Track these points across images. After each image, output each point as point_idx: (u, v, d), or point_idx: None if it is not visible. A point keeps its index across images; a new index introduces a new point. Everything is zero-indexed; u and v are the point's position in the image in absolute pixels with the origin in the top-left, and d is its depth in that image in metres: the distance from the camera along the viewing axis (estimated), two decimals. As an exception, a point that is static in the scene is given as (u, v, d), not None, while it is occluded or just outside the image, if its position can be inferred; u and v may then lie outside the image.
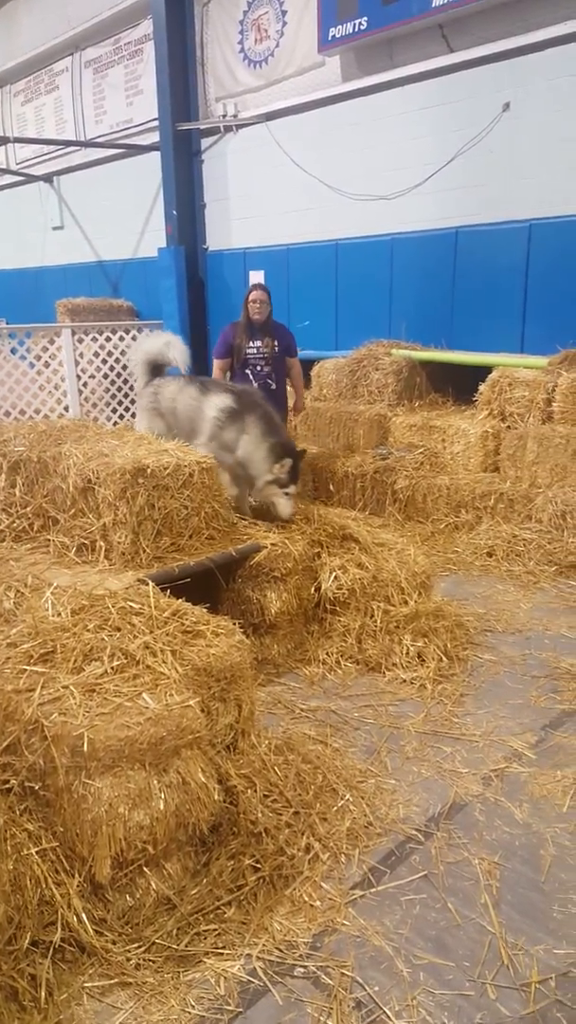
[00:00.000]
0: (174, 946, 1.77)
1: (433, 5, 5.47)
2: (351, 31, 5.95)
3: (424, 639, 3.09)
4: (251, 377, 4.66)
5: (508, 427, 4.88)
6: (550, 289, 5.48)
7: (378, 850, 2.09)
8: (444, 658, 3.04)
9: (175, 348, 3.96)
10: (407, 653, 3.04)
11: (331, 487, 5.15)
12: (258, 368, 4.68)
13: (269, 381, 4.67)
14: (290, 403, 5.07)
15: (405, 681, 2.96)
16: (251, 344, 4.65)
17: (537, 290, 5.55)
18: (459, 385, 5.56)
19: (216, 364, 4.79)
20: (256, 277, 7.15)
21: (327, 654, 3.10)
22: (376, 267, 6.36)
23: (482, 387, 5.07)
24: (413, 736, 2.63)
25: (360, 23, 5.87)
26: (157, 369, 4.03)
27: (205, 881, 1.93)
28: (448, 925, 1.86)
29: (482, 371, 5.16)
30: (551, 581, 3.88)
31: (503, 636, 3.36)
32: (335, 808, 2.20)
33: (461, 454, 4.90)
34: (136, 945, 1.76)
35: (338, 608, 3.17)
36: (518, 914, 1.89)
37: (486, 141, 5.61)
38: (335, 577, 3.14)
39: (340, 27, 6.01)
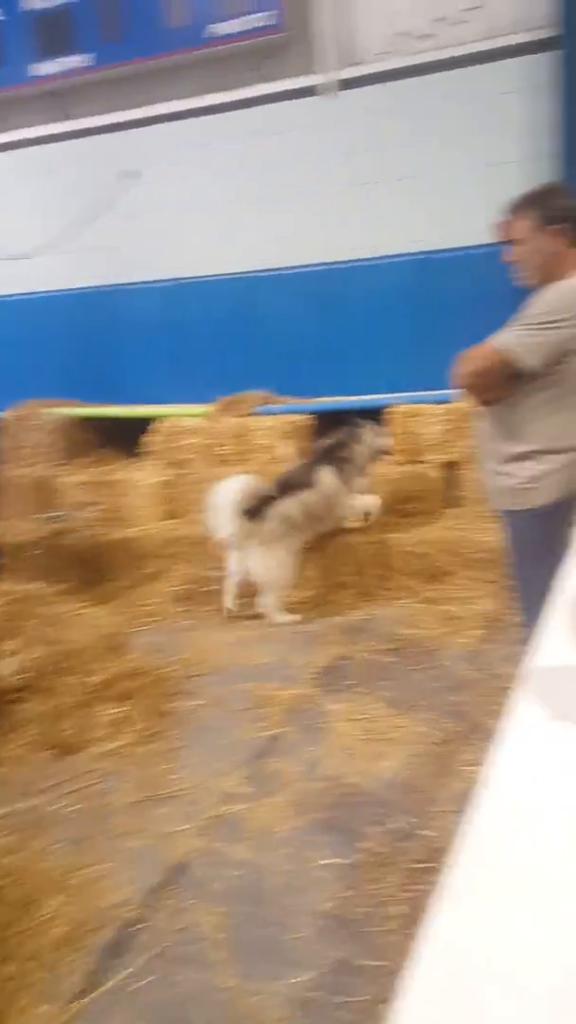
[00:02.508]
0: None
1: (41, 74, 5.56)
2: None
3: (126, 702, 2.95)
4: None
5: (182, 474, 5.00)
6: (199, 343, 5.83)
7: (97, 947, 1.90)
8: (149, 717, 2.93)
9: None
10: (108, 723, 2.87)
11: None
12: None
13: None
14: None
15: (110, 753, 2.78)
16: None
17: (187, 345, 5.86)
18: (129, 438, 5.57)
19: None
20: None
21: (17, 747, 2.80)
22: (20, 327, 6.19)
23: (149, 439, 5.15)
24: (123, 809, 2.46)
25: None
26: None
27: None
28: (184, 999, 1.74)
29: (147, 425, 5.25)
30: (243, 613, 4.00)
31: (208, 678, 3.36)
32: (42, 917, 1.96)
33: (139, 505, 4.89)
34: None
35: (23, 694, 2.89)
36: (252, 957, 1.84)
37: (120, 207, 5.82)
38: (15, 661, 2.87)
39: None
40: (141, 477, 4.92)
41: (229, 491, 3.73)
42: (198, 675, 3.39)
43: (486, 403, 2.22)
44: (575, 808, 0.18)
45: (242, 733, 2.86)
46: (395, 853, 2.13)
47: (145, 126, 5.71)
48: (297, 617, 3.85)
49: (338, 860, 2.14)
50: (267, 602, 3.86)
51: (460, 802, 2.13)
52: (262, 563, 3.76)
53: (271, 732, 2.84)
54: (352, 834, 2.24)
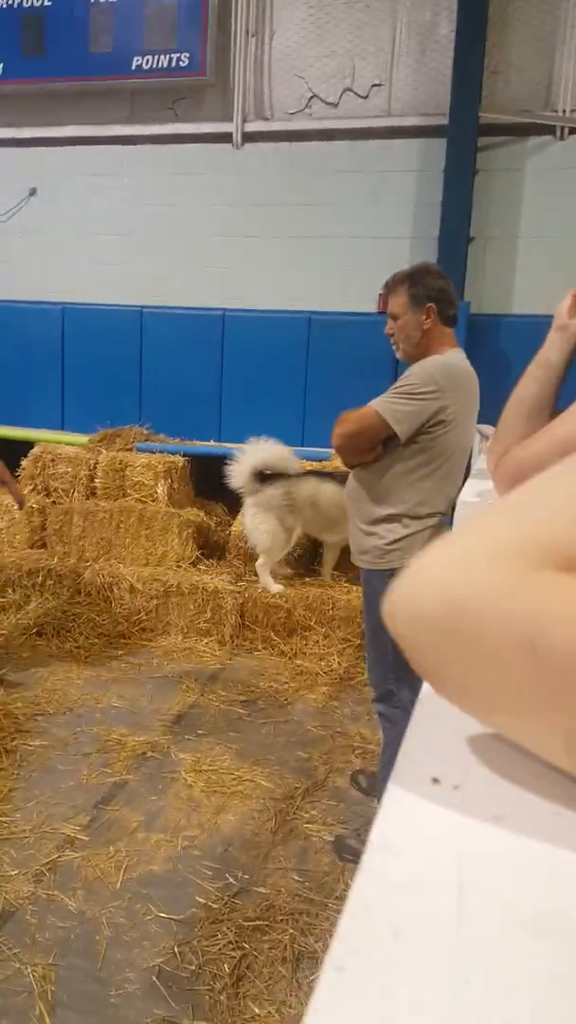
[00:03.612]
0: None
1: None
2: None
3: (-35, 737, 2.83)
4: None
5: (53, 502, 4.89)
6: (84, 371, 5.78)
7: None
8: (-11, 754, 2.83)
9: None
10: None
11: None
12: None
13: None
14: None
15: (-58, 793, 2.66)
16: None
17: (73, 371, 5.79)
18: (7, 459, 5.39)
19: None
20: None
21: None
22: None
23: (24, 462, 5.01)
24: (-47, 856, 2.36)
25: None
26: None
27: None
28: (-2, 1058, 1.69)
29: (25, 447, 5.11)
30: (100, 653, 3.94)
31: (54, 717, 3.28)
32: None
33: (6, 530, 4.72)
34: None
35: None
36: (75, 1013, 1.82)
37: (14, 222, 5.73)
38: None
39: None
40: (10, 501, 4.76)
41: (257, 450, 4.08)
42: (44, 713, 3.31)
43: (357, 465, 2.36)
44: (460, 868, 0.25)
45: (86, 777, 2.81)
46: (228, 909, 2.18)
47: (51, 146, 5.72)
48: (280, 588, 4.12)
49: (171, 915, 2.15)
50: (258, 564, 4.18)
51: (296, 859, 2.22)
52: (252, 524, 4.11)
53: (115, 778, 2.82)
54: (187, 888, 2.26)
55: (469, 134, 4.94)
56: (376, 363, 4.85)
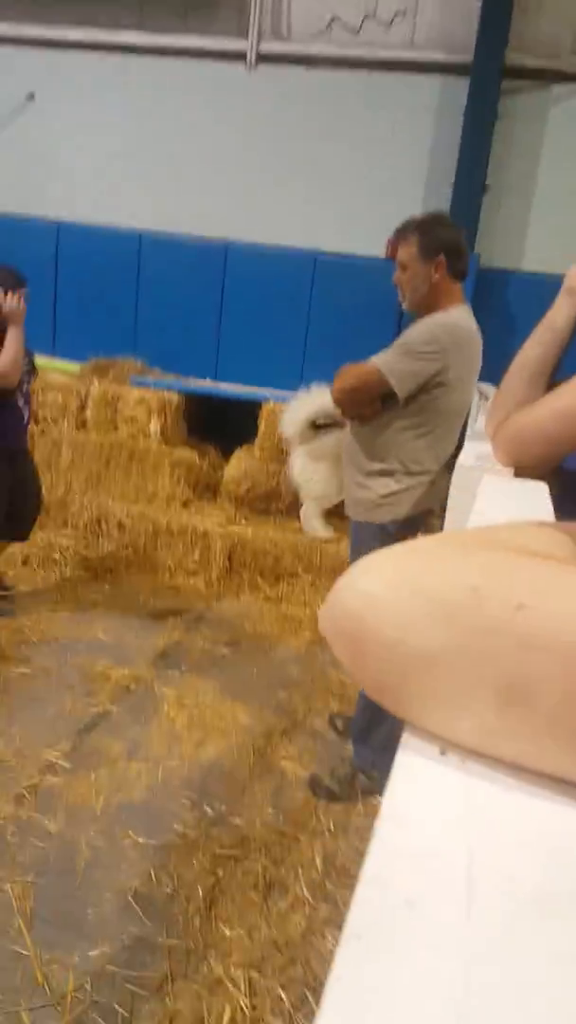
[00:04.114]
0: None
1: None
2: None
3: (-48, 660, 2.87)
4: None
5: (42, 431, 4.84)
6: (78, 295, 5.64)
7: None
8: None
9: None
10: None
11: None
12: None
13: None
14: None
15: None
16: None
17: (66, 294, 5.65)
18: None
19: None
20: None
21: None
22: None
23: (15, 389, 4.94)
24: None
25: None
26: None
27: None
28: (-21, 965, 1.77)
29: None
30: (87, 586, 3.97)
31: (39, 647, 3.32)
32: None
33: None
34: None
35: None
36: (53, 927, 1.89)
37: (11, 129, 5.53)
38: None
39: None
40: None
41: (310, 398, 3.95)
42: (28, 642, 3.35)
43: (355, 419, 2.37)
44: (468, 841, 0.26)
45: (70, 707, 2.87)
46: (204, 838, 2.26)
47: (53, 48, 5.44)
48: (331, 532, 4.12)
49: (149, 840, 2.23)
50: (305, 511, 4.15)
51: (272, 794, 2.29)
52: (303, 470, 4.02)
53: (98, 709, 2.88)
54: (165, 816, 2.34)
55: (493, 75, 4.74)
56: (381, 311, 4.77)
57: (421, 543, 0.39)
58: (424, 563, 0.36)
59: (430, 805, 0.30)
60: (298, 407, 3.98)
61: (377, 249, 5.02)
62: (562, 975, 0.21)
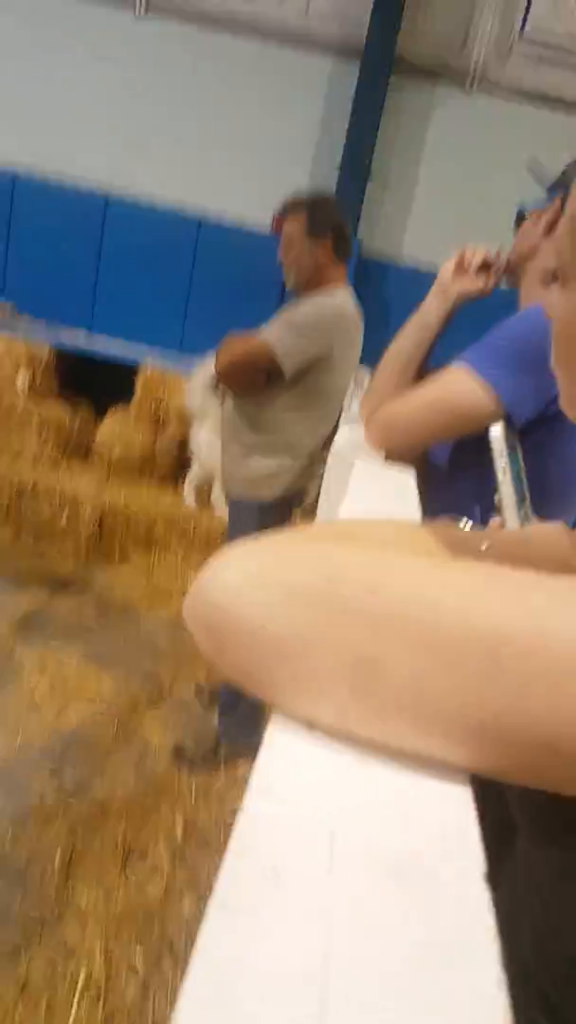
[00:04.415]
0: None
1: None
2: None
3: None
4: None
5: None
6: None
7: None
8: None
9: None
10: None
11: None
12: None
13: None
14: None
15: None
16: None
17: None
18: None
19: None
20: None
21: None
22: None
23: None
24: None
25: None
26: None
27: None
28: None
29: None
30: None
31: None
32: None
33: None
34: None
35: None
36: None
37: None
38: None
39: None
40: None
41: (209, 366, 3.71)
42: None
43: (238, 393, 2.34)
44: (330, 811, 0.28)
45: None
46: (62, 805, 2.22)
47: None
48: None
49: (4, 806, 2.16)
50: (215, 494, 3.98)
51: (135, 763, 2.28)
52: (207, 441, 3.78)
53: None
54: (22, 783, 2.28)
55: (384, 68, 4.82)
56: (263, 285, 4.75)
57: (278, 538, 0.42)
58: (282, 556, 0.38)
59: (297, 778, 0.31)
60: (199, 377, 3.83)
61: (260, 222, 5.01)
62: (419, 939, 0.23)
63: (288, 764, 0.32)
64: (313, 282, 2.27)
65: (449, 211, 5.09)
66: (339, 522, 0.45)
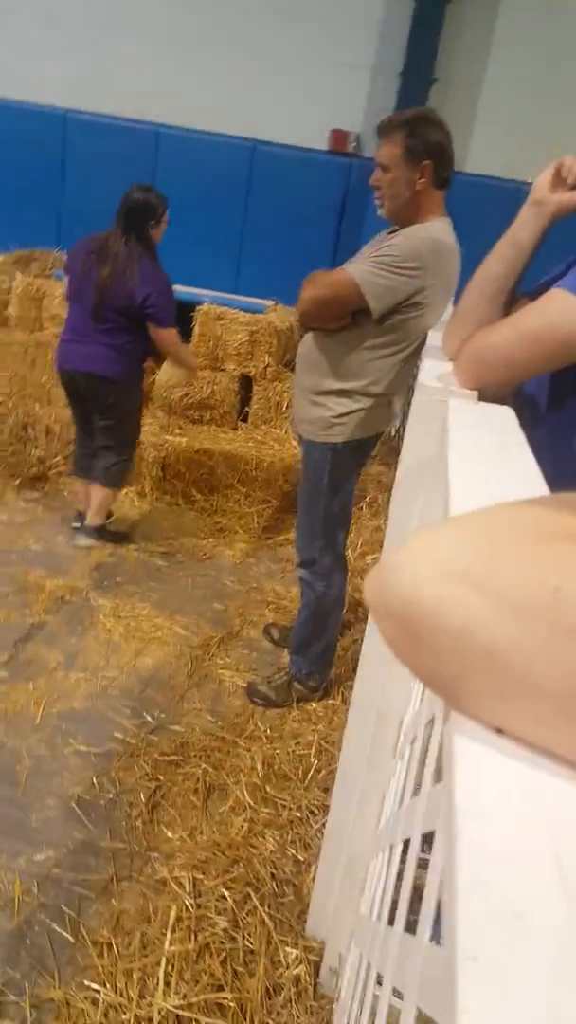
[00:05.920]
0: None
1: None
2: None
3: None
4: None
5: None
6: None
7: None
8: None
9: None
10: None
11: None
12: None
13: None
14: None
15: None
16: None
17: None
18: None
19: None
20: None
21: None
22: None
23: None
24: None
25: None
26: None
27: None
28: None
29: None
30: (15, 495, 3.83)
31: (-32, 555, 3.22)
32: None
33: None
34: None
35: None
36: (-2, 835, 1.92)
37: None
38: None
39: None
40: None
41: None
42: (-42, 551, 3.24)
43: (316, 330, 2.20)
44: (551, 835, 0.26)
45: (4, 617, 2.82)
46: (144, 744, 2.30)
47: None
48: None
49: (90, 748, 2.25)
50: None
51: (210, 701, 2.34)
52: None
53: (34, 619, 2.84)
54: (105, 724, 2.36)
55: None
56: (322, 211, 4.58)
57: (482, 517, 0.37)
58: (492, 553, 0.34)
59: (502, 793, 0.29)
60: None
61: (319, 142, 4.76)
62: None
63: (488, 777, 0.29)
64: (409, 213, 2.06)
65: (521, 114, 4.73)
66: (542, 505, 0.38)
